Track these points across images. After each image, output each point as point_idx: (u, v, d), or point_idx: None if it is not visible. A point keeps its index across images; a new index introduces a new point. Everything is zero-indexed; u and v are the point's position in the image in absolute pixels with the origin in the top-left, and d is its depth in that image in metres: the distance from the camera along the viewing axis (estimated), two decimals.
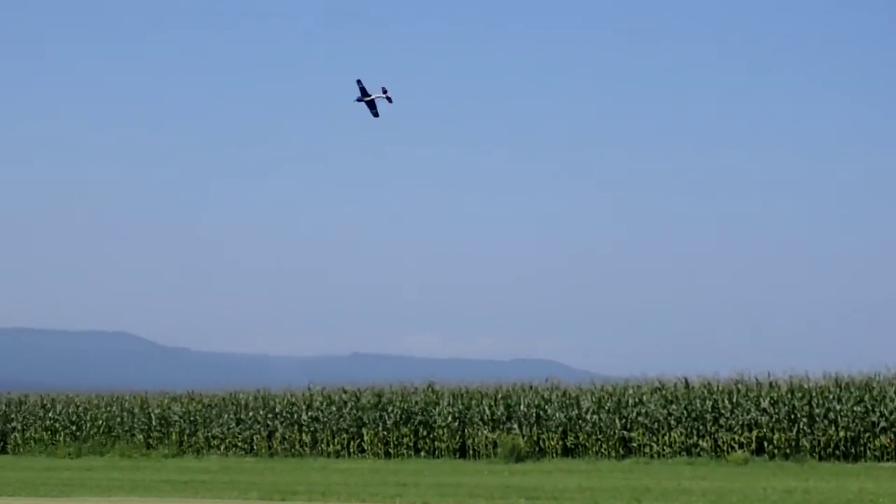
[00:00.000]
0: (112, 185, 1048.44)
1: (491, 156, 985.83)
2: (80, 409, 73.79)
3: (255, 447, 68.83)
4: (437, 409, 65.83)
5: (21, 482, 51.13)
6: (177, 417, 70.84)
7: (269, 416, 68.99)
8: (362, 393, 68.46)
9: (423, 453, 65.45)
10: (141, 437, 71.09)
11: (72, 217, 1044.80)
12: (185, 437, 70.48)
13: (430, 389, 67.77)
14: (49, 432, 73.24)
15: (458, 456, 64.59)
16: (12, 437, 73.81)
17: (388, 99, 56.86)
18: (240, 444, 69.18)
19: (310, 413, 68.20)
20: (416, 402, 66.66)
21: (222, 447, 69.42)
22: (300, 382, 72.42)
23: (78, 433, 72.60)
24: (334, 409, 67.85)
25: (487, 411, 64.91)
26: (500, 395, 65.69)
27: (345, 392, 68.89)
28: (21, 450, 72.93)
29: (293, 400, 69.49)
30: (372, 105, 56.55)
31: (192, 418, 70.62)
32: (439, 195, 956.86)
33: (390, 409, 66.64)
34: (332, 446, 67.24)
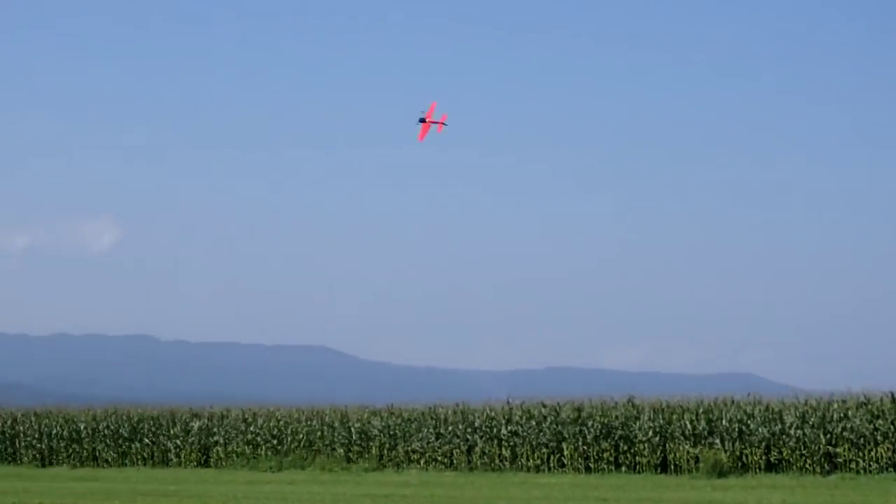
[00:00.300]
0: (309, 199, 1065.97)
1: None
2: (282, 423, 74.56)
3: (454, 461, 68.80)
4: (638, 424, 65.01)
5: (224, 496, 51.89)
6: (377, 431, 71.14)
7: (469, 430, 68.87)
8: (561, 407, 67.92)
9: (623, 468, 64.69)
10: (341, 450, 71.57)
11: (274, 232, 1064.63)
12: (385, 451, 70.74)
13: (630, 404, 66.98)
14: (251, 446, 74.19)
15: (658, 471, 63.67)
16: (215, 450, 74.95)
17: (444, 124, 59.87)
18: (439, 458, 69.21)
19: (509, 427, 67.91)
20: (617, 417, 65.92)
21: (422, 461, 69.52)
22: (497, 396, 72.24)
23: (279, 447, 73.41)
24: (534, 423, 67.47)
25: (689, 426, 63.88)
26: (701, 410, 64.60)
27: (544, 406, 68.47)
28: (223, 463, 74.00)
29: (492, 414, 69.26)
30: (427, 126, 59.86)
31: (391, 432, 70.84)
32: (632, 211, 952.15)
33: (590, 423, 65.96)
34: (531, 461, 66.89)
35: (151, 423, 77.15)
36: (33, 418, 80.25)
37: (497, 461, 67.63)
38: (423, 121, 60.48)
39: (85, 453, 77.76)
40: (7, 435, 79.97)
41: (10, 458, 79.39)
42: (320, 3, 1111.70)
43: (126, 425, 77.44)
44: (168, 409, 78.98)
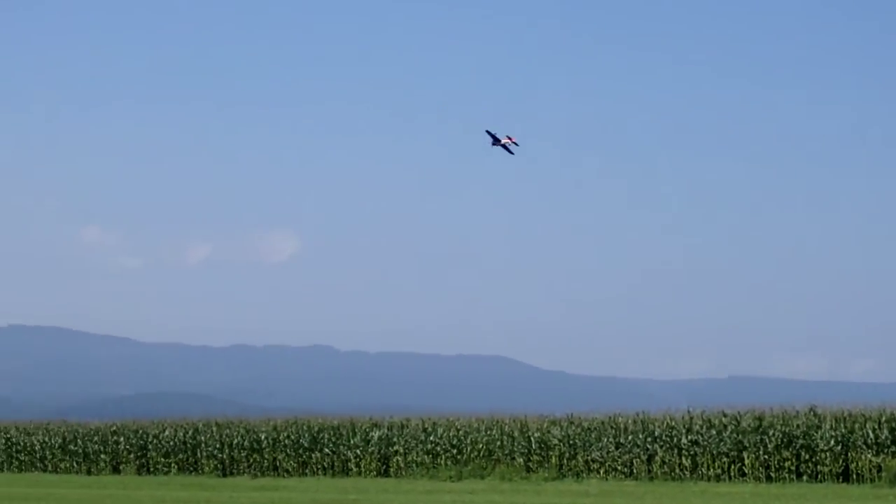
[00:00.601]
0: (488, 210, 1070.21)
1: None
2: (461, 432, 74.59)
3: (634, 471, 68.16)
4: (820, 433, 63.83)
5: None
6: (556, 441, 70.80)
7: (649, 439, 68.20)
8: (742, 416, 66.96)
9: (804, 477, 63.53)
10: (521, 460, 71.35)
11: (453, 243, 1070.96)
12: (565, 461, 70.36)
13: (811, 413, 65.78)
14: (430, 456, 74.35)
15: (840, 480, 62.43)
16: (394, 460, 75.26)
17: (516, 143, 63.94)
18: (619, 467, 68.61)
19: (689, 436, 67.11)
20: (798, 426, 64.80)
21: (601, 471, 68.99)
22: (676, 406, 71.50)
23: (459, 456, 73.45)
24: (714, 432, 66.58)
25: (871, 435, 62.57)
26: (883, 419, 63.27)
27: (724, 415, 67.52)
28: (403, 473, 74.27)
29: (672, 423, 68.53)
30: (505, 148, 63.76)
31: (571, 442, 70.45)
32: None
33: (771, 432, 64.97)
34: (712, 470, 66.02)
35: (332, 432, 77.76)
36: (214, 428, 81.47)
37: (677, 470, 66.89)
38: (495, 142, 65.35)
39: (266, 463, 78.70)
40: (189, 445, 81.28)
41: (191, 468, 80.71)
42: None
43: (306, 435, 78.17)
44: (348, 418, 79.56)
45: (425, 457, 74.25)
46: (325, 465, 77.02)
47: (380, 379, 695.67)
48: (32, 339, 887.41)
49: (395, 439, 75.62)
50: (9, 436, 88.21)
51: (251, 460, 79.13)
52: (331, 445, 77.23)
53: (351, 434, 77.01)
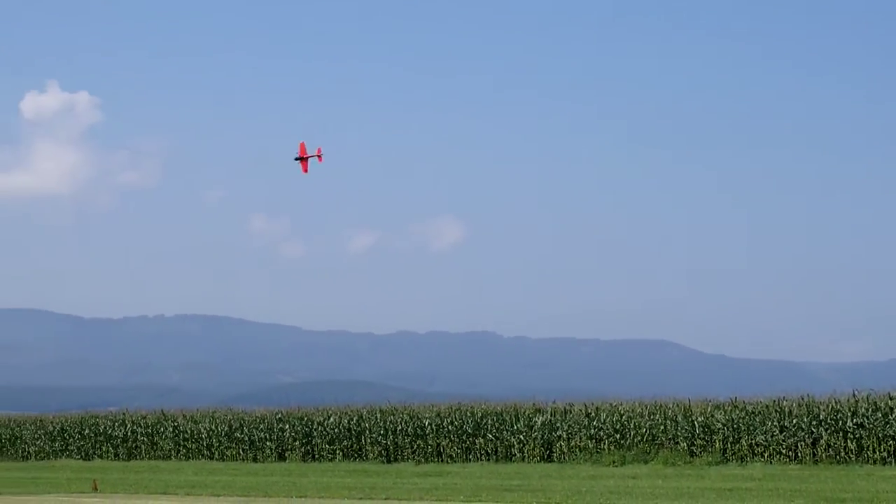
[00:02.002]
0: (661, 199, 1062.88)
1: None
2: (624, 417, 74.20)
3: (799, 454, 67.20)
4: None
5: (567, 490, 51.92)
6: (720, 425, 70.07)
7: (814, 423, 67.17)
8: None
9: None
10: (684, 444, 70.75)
11: (625, 231, 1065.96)
12: (729, 445, 69.62)
13: None
14: (593, 441, 74.08)
15: None
16: (557, 445, 75.12)
17: (319, 158, 64.09)
18: (783, 451, 67.68)
19: (855, 420, 65.97)
20: None
21: (766, 455, 68.14)
22: (839, 389, 70.34)
23: (622, 441, 73.09)
24: (880, 415, 65.36)
25: None
26: None
27: (891, 398, 66.24)
28: (566, 458, 74.12)
29: (837, 406, 67.41)
30: (305, 162, 63.96)
31: (735, 426, 69.67)
32: None
33: None
34: (878, 453, 64.82)
35: (495, 418, 77.87)
36: (378, 415, 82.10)
37: (842, 454, 65.81)
38: (297, 159, 65.40)
39: (429, 449, 79.09)
40: (353, 432, 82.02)
41: (356, 455, 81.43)
42: None
43: (470, 421, 78.39)
44: (511, 404, 79.59)
45: (588, 442, 74.01)
46: (489, 451, 77.18)
47: (542, 364, 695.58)
48: (199, 329, 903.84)
49: (558, 425, 75.49)
50: (176, 424, 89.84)
51: (415, 446, 79.59)
52: (494, 431, 77.35)
53: (514, 420, 77.04)
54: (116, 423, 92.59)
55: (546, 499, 46.26)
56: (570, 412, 76.29)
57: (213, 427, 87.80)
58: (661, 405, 74.28)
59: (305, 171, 64.58)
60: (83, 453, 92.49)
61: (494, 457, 76.66)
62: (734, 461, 68.35)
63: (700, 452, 69.96)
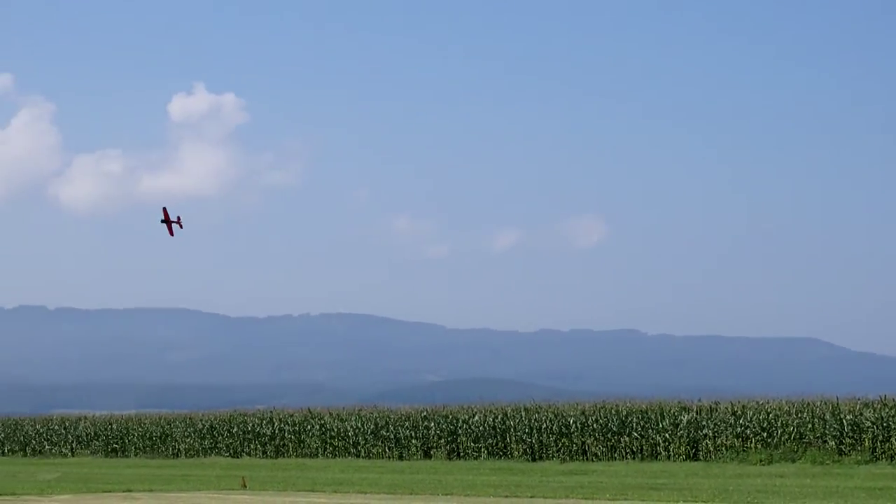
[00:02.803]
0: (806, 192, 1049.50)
1: None
2: (771, 415, 73.37)
3: None
4: None
5: (713, 489, 51.52)
6: (869, 423, 68.99)
7: None
8: None
9: None
10: (832, 443, 69.78)
11: (761, 225, 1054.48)
12: (879, 444, 68.53)
13: None
14: (740, 439, 73.40)
15: None
16: (703, 444, 74.54)
17: (180, 225, 67.74)
18: None
19: None
20: None
21: None
22: None
23: (769, 440, 72.28)
24: None
25: None
26: None
27: None
28: (712, 457, 73.51)
29: None
30: (169, 226, 67.30)
31: (885, 424, 68.55)
32: None
33: None
34: None
35: (640, 416, 77.52)
36: (523, 413, 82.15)
37: None
38: (163, 222, 67.90)
39: (574, 447, 78.95)
40: (498, 430, 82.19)
41: (500, 453, 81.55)
42: None
43: (614, 419, 78.11)
44: (656, 402, 79.20)
45: (735, 440, 73.35)
46: (634, 449, 76.85)
47: (687, 362, 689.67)
48: (345, 328, 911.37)
49: (703, 423, 74.91)
50: (323, 422, 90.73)
51: (560, 445, 79.51)
52: (639, 429, 77.01)
53: (659, 418, 76.62)
54: (264, 422, 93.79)
55: (692, 497, 45.94)
56: (716, 410, 75.65)
57: (360, 425, 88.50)
58: (808, 403, 73.37)
59: (171, 234, 68.43)
60: (232, 451, 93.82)
61: (639, 455, 76.31)
62: (884, 460, 67.27)
63: (849, 451, 68.95)
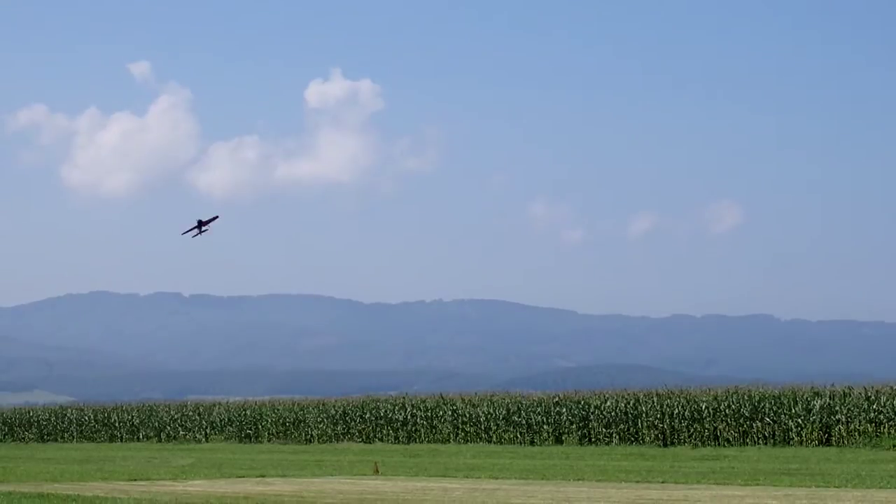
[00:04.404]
0: None
1: None
2: None
3: None
4: None
5: (846, 474, 50.91)
6: None
7: None
8: None
9: None
10: None
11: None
12: None
13: None
14: (873, 424, 72.49)
15: None
16: (836, 429, 73.74)
17: (209, 229, 67.70)
18: None
19: None
20: None
21: None
22: None
23: None
24: None
25: None
26: None
27: None
28: (845, 442, 72.67)
29: None
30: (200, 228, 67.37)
31: None
32: None
33: None
34: None
35: (772, 402, 76.90)
36: (655, 399, 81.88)
37: None
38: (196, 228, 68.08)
39: (706, 433, 78.53)
40: (630, 415, 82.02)
41: (632, 438, 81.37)
42: None
43: (747, 405, 77.56)
44: (789, 387, 78.53)
45: (868, 426, 72.47)
46: (766, 435, 76.26)
47: (821, 347, 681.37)
48: (477, 313, 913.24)
49: (837, 408, 74.12)
50: (455, 407, 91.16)
51: (692, 430, 79.15)
52: (771, 415, 76.39)
53: (792, 403, 75.93)
54: (397, 407, 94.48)
55: (824, 483, 45.45)
56: (850, 395, 74.81)
57: (492, 411, 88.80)
58: None
59: (197, 233, 68.30)
60: (364, 436, 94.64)
61: (772, 440, 75.70)
62: None
63: None
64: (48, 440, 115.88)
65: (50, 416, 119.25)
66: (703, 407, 79.02)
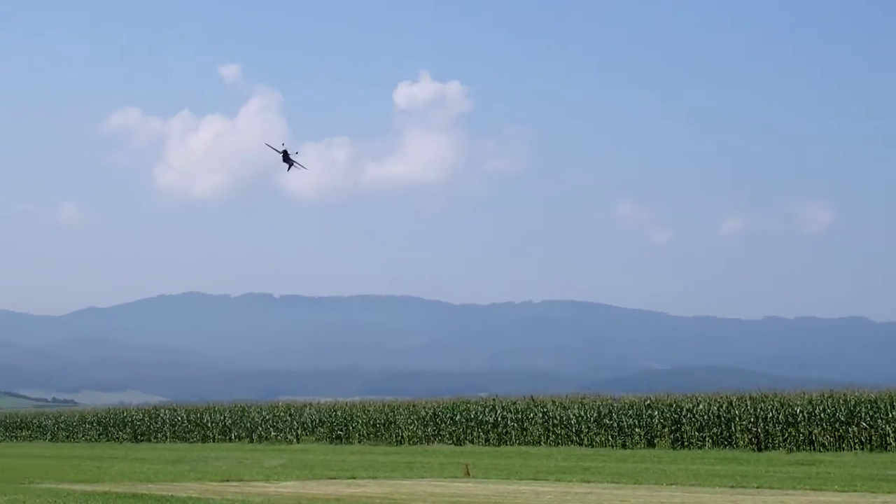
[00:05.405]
0: None
1: None
2: None
3: None
4: None
5: None
6: None
7: None
8: None
9: None
10: None
11: None
12: None
13: None
14: None
15: None
16: None
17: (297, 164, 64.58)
18: None
19: None
20: None
21: None
22: None
23: None
24: None
25: None
26: None
27: None
28: None
29: None
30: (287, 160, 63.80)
31: None
32: None
33: None
34: None
35: (869, 406, 75.76)
36: (748, 402, 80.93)
37: None
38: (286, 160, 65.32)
39: (801, 437, 77.50)
40: (723, 419, 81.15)
41: (725, 442, 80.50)
42: None
43: (842, 409, 76.46)
44: (886, 391, 77.29)
45: None
46: (863, 440, 75.11)
47: None
48: (567, 314, 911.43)
49: None
50: (545, 409, 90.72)
51: (786, 434, 78.16)
52: (868, 419, 75.24)
53: (889, 407, 74.77)
54: (487, 409, 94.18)
55: None
56: None
57: (582, 413, 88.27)
58: None
59: (289, 166, 66.00)
60: (454, 438, 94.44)
61: (868, 445, 74.56)
62: None
63: None
64: (141, 440, 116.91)
65: (143, 416, 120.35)
66: (798, 411, 78.02)
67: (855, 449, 74.76)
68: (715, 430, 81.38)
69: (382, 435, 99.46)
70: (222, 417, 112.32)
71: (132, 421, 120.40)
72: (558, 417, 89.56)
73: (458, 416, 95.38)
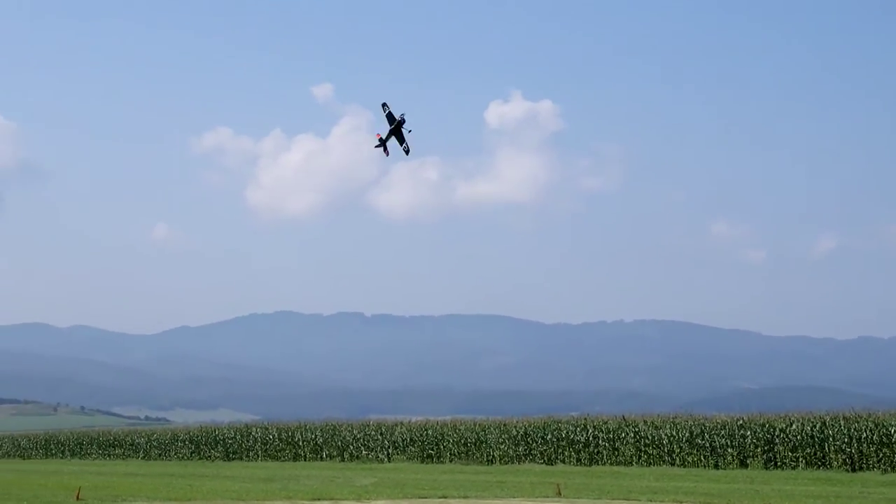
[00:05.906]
0: None
1: None
2: None
3: None
4: None
5: None
6: None
7: None
8: None
9: None
10: None
11: None
12: None
13: None
14: None
15: None
16: None
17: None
18: None
19: None
20: None
21: None
22: None
23: None
24: None
25: None
26: None
27: None
28: None
29: None
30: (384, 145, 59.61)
31: None
32: None
33: None
34: None
35: None
36: (842, 422, 80.00)
37: None
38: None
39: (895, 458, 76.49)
40: (816, 439, 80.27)
41: (819, 463, 79.61)
42: None
43: None
44: None
45: None
46: None
47: None
48: (659, 334, 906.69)
49: None
50: (637, 429, 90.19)
51: (880, 455, 77.15)
52: None
53: None
54: (578, 428, 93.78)
55: None
56: None
57: (674, 433, 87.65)
58: None
59: (386, 153, 64.02)
60: (546, 458, 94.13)
61: None
62: None
63: None
64: (233, 458, 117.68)
65: (235, 434, 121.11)
66: (893, 431, 76.97)
67: None
68: (808, 450, 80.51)
69: (473, 454, 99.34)
70: (313, 436, 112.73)
71: (224, 439, 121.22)
72: (650, 437, 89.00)
73: (549, 436, 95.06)
